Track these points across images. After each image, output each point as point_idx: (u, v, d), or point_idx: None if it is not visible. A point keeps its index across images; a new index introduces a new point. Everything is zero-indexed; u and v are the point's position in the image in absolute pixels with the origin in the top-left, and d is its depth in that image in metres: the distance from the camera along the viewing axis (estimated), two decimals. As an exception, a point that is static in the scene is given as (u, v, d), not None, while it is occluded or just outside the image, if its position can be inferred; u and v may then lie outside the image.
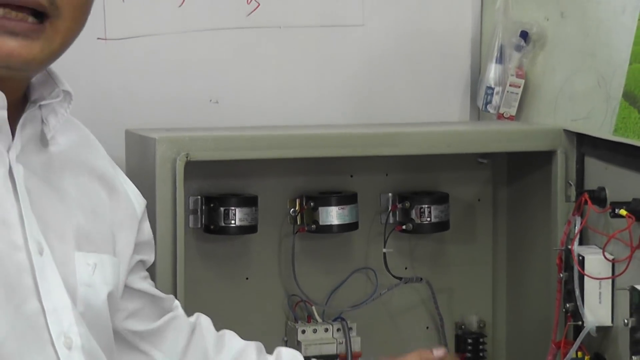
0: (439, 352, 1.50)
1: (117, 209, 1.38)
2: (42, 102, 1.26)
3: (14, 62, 1.16)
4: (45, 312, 1.21)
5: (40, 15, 1.16)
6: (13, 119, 1.23)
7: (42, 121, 1.28)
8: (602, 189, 1.99)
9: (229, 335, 1.56)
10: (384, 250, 2.21)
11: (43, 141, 1.29)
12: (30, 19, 1.16)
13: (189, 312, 1.58)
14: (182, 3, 2.22)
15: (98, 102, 2.15)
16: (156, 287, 1.84)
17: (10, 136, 1.23)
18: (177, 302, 1.53)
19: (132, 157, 2.05)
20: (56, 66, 1.28)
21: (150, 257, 1.47)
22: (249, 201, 2.08)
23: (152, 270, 1.84)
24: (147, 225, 1.45)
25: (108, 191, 1.37)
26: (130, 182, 1.44)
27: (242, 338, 1.58)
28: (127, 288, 1.41)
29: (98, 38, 2.15)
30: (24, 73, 1.21)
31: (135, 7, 2.18)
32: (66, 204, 1.28)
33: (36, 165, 1.26)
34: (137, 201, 1.42)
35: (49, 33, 1.17)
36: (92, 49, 2.12)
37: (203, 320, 1.56)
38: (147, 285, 1.47)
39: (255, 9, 2.27)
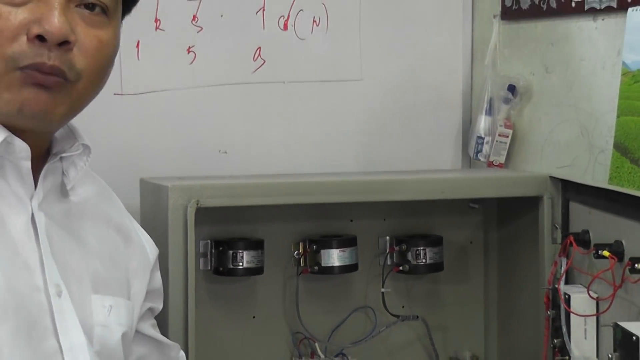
0: None
1: (132, 257, 1.38)
2: (63, 155, 1.27)
3: (38, 112, 1.18)
4: (62, 351, 1.21)
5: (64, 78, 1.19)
6: (36, 170, 1.24)
7: (63, 173, 1.29)
8: (586, 232, 1.98)
9: None
10: (382, 290, 2.21)
11: (63, 191, 1.29)
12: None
13: (200, 349, 1.57)
14: (193, 61, 2.23)
15: (115, 152, 2.15)
16: (169, 326, 1.85)
17: (33, 185, 1.24)
18: (182, 353, 1.53)
19: (146, 204, 2.05)
20: (76, 119, 1.29)
21: (159, 305, 1.47)
22: (256, 245, 2.08)
23: (165, 310, 1.84)
24: (158, 274, 1.45)
25: (124, 240, 1.38)
26: (145, 232, 1.45)
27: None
28: (137, 333, 1.41)
29: (115, 93, 2.17)
30: (46, 125, 1.22)
31: (149, 65, 2.20)
32: (84, 250, 1.29)
33: (57, 214, 1.27)
34: (151, 250, 1.43)
35: (70, 91, 1.19)
36: (109, 104, 2.13)
37: None
38: (155, 332, 1.47)
39: (261, 66, 2.28)
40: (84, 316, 1.24)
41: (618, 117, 1.90)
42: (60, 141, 1.29)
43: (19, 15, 1.15)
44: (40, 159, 1.25)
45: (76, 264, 1.26)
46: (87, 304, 1.26)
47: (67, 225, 1.28)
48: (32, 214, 1.22)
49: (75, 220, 1.30)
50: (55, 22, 1.15)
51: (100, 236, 1.33)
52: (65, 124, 1.27)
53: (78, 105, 1.22)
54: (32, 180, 1.23)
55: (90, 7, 1.19)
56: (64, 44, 1.16)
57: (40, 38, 1.15)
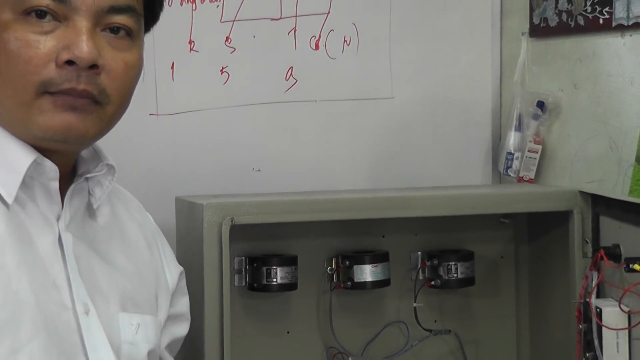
0: None
1: (159, 273, 1.38)
2: (88, 175, 1.28)
3: (71, 135, 1.19)
4: None
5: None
6: (62, 191, 1.24)
7: (89, 193, 1.29)
8: (617, 246, 1.96)
9: None
10: (415, 304, 2.19)
11: (90, 211, 1.30)
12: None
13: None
14: (227, 81, 2.23)
15: (151, 172, 2.15)
16: (204, 342, 1.84)
17: (61, 205, 1.24)
18: None
19: (181, 221, 2.04)
20: (113, 139, 1.29)
21: (181, 330, 1.46)
22: (289, 261, 2.06)
23: (200, 326, 1.84)
24: (184, 299, 1.44)
25: (149, 253, 1.38)
26: (170, 255, 1.44)
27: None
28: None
29: (150, 114, 2.16)
30: (78, 146, 1.23)
31: (184, 86, 2.19)
32: (112, 269, 1.29)
33: (84, 234, 1.27)
34: (171, 277, 1.42)
35: (100, 113, 1.20)
36: (145, 124, 2.12)
37: None
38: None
39: (293, 85, 2.28)
40: (112, 334, 1.24)
41: (641, 131, 1.89)
42: (86, 162, 1.29)
43: (48, 43, 1.16)
44: (66, 179, 1.25)
45: (104, 282, 1.26)
46: (115, 322, 1.26)
47: (94, 245, 1.28)
48: (59, 234, 1.23)
49: (104, 240, 1.30)
50: (84, 47, 1.16)
51: (129, 254, 1.33)
52: (94, 143, 1.27)
53: (108, 126, 1.23)
54: (60, 201, 1.23)
55: (115, 30, 1.21)
56: (92, 67, 1.17)
57: (69, 62, 1.16)
